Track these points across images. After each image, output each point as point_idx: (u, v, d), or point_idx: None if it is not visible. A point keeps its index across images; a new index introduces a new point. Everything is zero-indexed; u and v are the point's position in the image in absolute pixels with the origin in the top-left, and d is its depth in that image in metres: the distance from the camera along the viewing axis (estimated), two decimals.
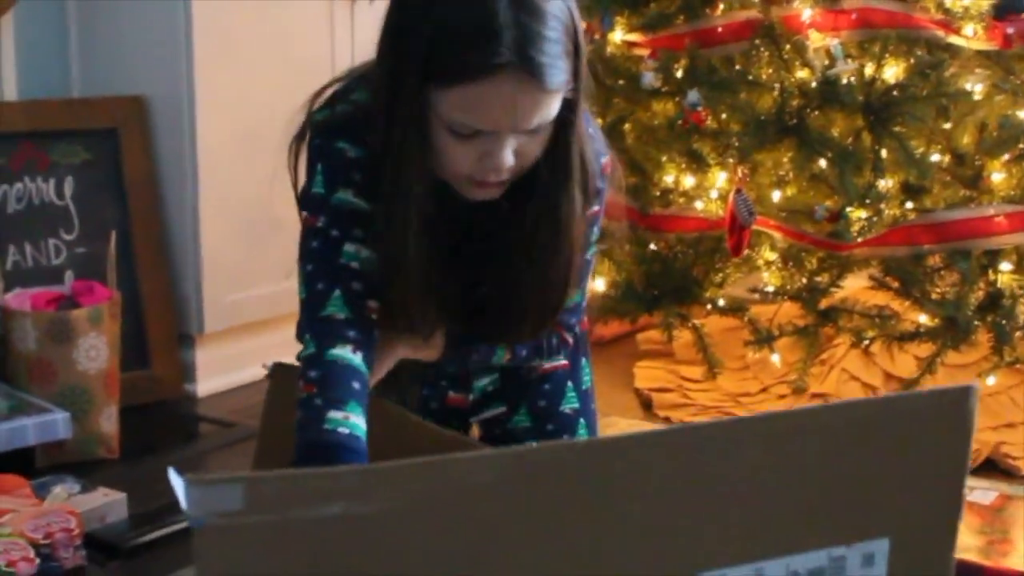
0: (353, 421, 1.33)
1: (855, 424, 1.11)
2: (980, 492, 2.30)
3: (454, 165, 1.37)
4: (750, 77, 2.76)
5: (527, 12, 1.28)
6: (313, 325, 1.41)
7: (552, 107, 1.33)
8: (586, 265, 1.57)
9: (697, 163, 2.83)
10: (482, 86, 1.28)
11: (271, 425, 1.56)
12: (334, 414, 1.32)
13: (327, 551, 0.99)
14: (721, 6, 2.85)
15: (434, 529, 1.02)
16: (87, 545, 1.95)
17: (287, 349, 3.09)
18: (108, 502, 2.10)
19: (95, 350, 2.40)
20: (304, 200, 1.51)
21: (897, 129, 2.60)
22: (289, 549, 0.98)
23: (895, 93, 2.60)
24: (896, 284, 2.69)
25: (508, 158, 1.34)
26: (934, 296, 2.64)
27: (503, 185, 1.40)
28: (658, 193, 2.90)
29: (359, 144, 1.44)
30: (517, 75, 1.27)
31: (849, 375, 2.81)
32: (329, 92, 1.55)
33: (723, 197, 2.77)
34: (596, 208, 1.54)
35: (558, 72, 1.31)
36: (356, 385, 1.36)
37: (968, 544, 2.06)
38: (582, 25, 1.37)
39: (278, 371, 1.54)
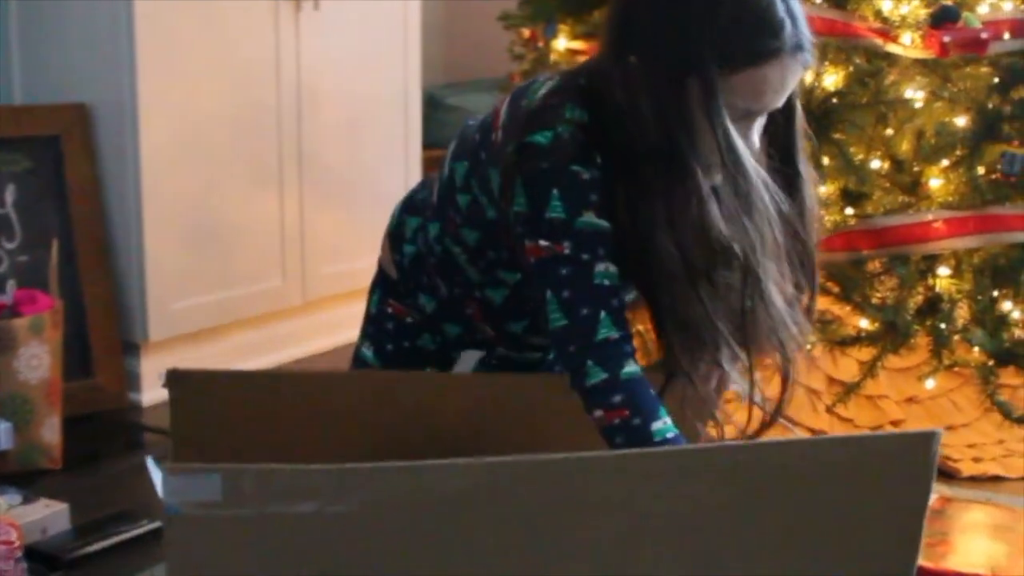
0: (671, 425, 1.42)
1: (819, 462, 1.13)
2: None
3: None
4: None
5: (793, 3, 1.44)
6: (593, 351, 1.45)
7: None
8: None
9: None
10: (765, 69, 1.42)
11: (183, 434, 1.55)
12: (656, 425, 1.41)
13: (300, 547, 1.00)
14: None
15: (406, 532, 1.03)
16: (28, 557, 1.93)
17: (232, 356, 3.10)
18: (50, 513, 2.08)
19: (37, 359, 2.39)
20: (537, 226, 1.48)
21: (837, 136, 2.63)
22: (263, 543, 0.99)
23: (835, 100, 2.63)
24: (837, 289, 2.72)
25: (756, 140, 1.49)
26: (874, 301, 2.67)
27: None
28: None
29: (591, 166, 1.47)
30: (792, 56, 1.43)
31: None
32: (539, 112, 1.51)
33: None
34: None
35: (810, 46, 1.47)
36: (653, 392, 1.45)
37: None
38: None
39: (174, 377, 1.52)
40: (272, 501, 0.99)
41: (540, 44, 2.96)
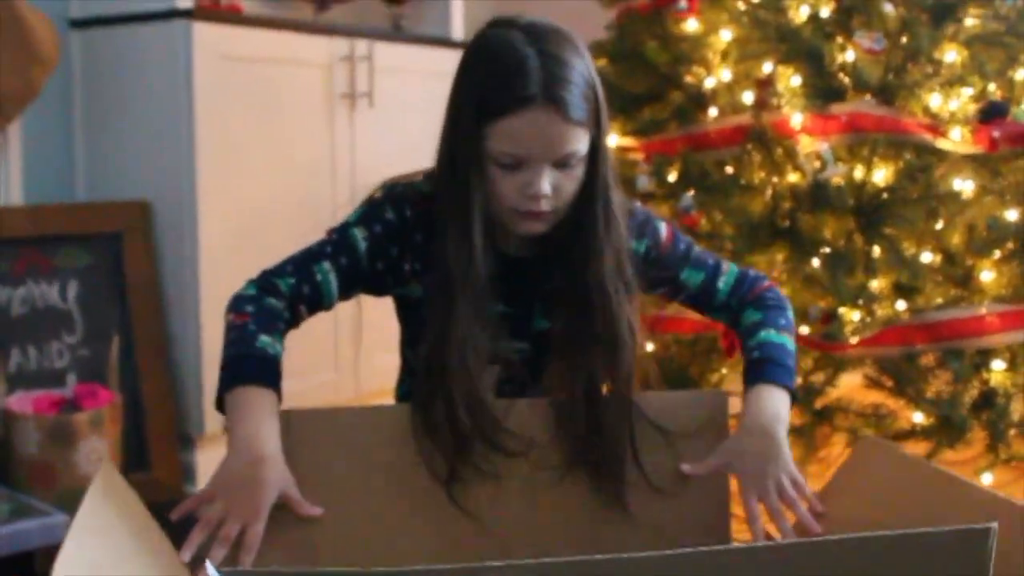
0: (277, 347, 1.60)
1: (875, 558, 1.11)
2: None
3: (502, 197, 1.61)
4: (742, 181, 2.80)
5: (552, 61, 1.57)
6: (261, 280, 1.69)
7: (579, 142, 1.59)
8: (691, 249, 1.84)
9: None
10: (517, 117, 1.56)
11: None
12: (264, 337, 1.59)
13: None
14: (713, 111, 2.91)
15: None
16: None
17: None
18: None
19: (96, 453, 2.42)
20: (343, 222, 1.75)
21: (888, 231, 2.64)
22: None
23: (885, 196, 2.64)
24: (891, 383, 2.71)
25: (545, 187, 1.58)
26: (929, 395, 2.65)
27: (546, 219, 1.63)
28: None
29: (398, 213, 1.71)
30: (545, 107, 1.55)
31: None
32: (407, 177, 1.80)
33: None
34: (651, 242, 1.78)
35: (579, 108, 1.57)
36: (282, 327, 1.64)
37: None
38: (600, 85, 1.63)
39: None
40: None
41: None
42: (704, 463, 1.69)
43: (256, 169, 2.99)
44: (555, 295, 1.71)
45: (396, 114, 3.35)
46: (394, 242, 1.71)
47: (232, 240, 2.93)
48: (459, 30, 3.87)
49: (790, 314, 1.82)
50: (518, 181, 1.59)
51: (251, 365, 1.57)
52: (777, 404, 1.69)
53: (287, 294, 1.67)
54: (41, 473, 2.38)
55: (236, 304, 1.65)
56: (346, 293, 1.73)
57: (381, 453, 1.64)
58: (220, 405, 1.57)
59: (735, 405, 1.79)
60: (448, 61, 3.80)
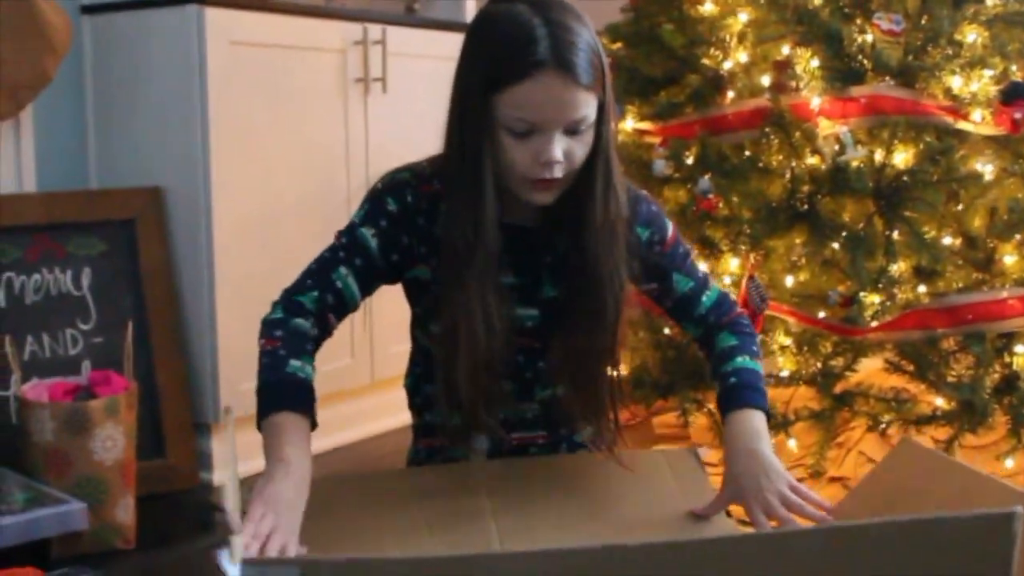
0: (308, 370, 1.66)
1: (898, 542, 1.10)
2: None
3: (514, 165, 1.64)
4: (761, 164, 2.78)
5: (559, 28, 1.60)
6: (285, 301, 1.74)
7: (588, 106, 1.63)
8: (689, 256, 1.91)
9: (709, 250, 2.85)
10: (528, 84, 1.59)
11: None
12: (294, 362, 1.65)
13: None
14: (731, 94, 2.89)
15: None
16: None
17: None
18: None
19: (111, 440, 2.41)
20: (349, 223, 1.79)
21: (908, 214, 2.62)
22: None
23: (905, 178, 2.62)
24: (911, 367, 2.69)
25: (557, 153, 1.61)
26: (950, 379, 2.64)
27: (557, 187, 1.66)
28: None
29: (400, 201, 1.75)
30: (556, 72, 1.59)
31: (867, 458, 2.80)
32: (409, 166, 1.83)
33: (736, 283, 2.78)
34: (657, 235, 1.85)
35: (587, 73, 1.60)
36: (310, 347, 1.70)
37: None
38: (604, 52, 1.67)
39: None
40: None
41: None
42: (712, 504, 1.70)
43: (269, 155, 2.97)
44: (561, 263, 1.76)
45: (409, 98, 3.33)
46: (402, 231, 1.75)
47: (246, 226, 2.92)
48: (472, 14, 3.84)
49: (758, 341, 1.92)
50: (531, 149, 1.63)
51: (282, 391, 1.63)
52: (756, 423, 1.74)
53: (313, 309, 1.73)
54: (56, 461, 2.37)
55: (266, 329, 1.72)
56: (367, 291, 1.78)
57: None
58: (260, 427, 1.63)
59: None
60: (460, 45, 3.79)
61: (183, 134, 2.87)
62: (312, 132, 3.09)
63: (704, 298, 1.90)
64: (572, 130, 1.63)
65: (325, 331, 1.76)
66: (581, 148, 1.66)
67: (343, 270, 1.74)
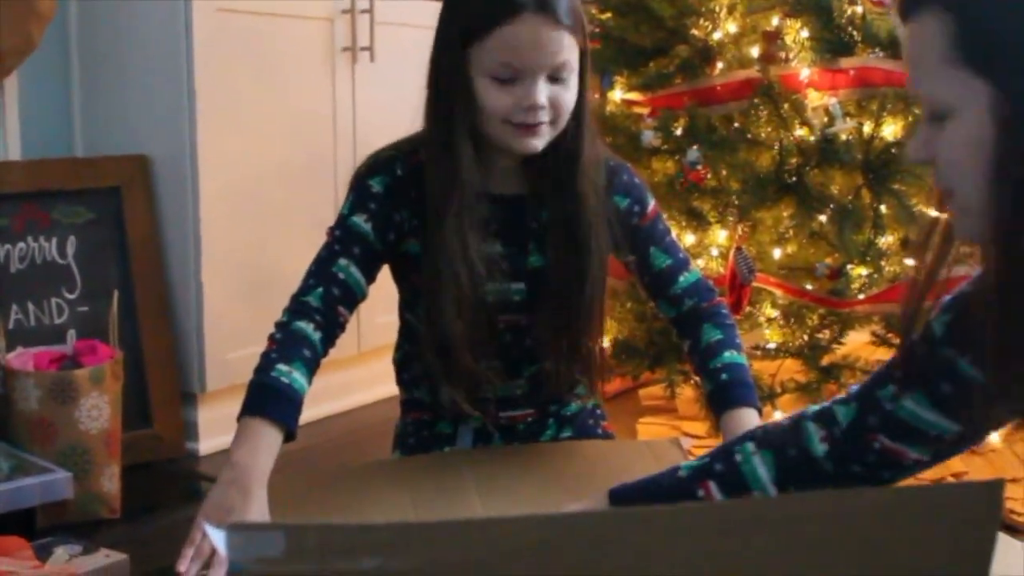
0: (295, 375, 1.64)
1: (881, 513, 1.10)
2: None
3: (498, 111, 1.65)
4: (749, 135, 2.78)
5: None
6: (291, 304, 1.75)
7: (571, 51, 1.64)
8: (669, 234, 1.91)
9: (697, 221, 2.85)
10: (510, 27, 1.61)
11: None
12: (282, 366, 1.64)
13: None
14: (720, 65, 2.88)
15: None
16: None
17: None
18: (110, 563, 2.09)
19: (97, 409, 2.40)
20: (338, 217, 1.81)
21: (896, 186, 2.62)
22: None
23: (893, 151, 2.62)
24: (898, 340, 2.69)
25: (541, 97, 1.63)
26: None
27: (542, 133, 1.67)
28: None
29: (387, 177, 1.77)
30: (536, 13, 1.60)
31: None
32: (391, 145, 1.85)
33: (723, 255, 2.78)
34: (637, 207, 1.85)
35: (568, 15, 1.62)
36: (307, 352, 1.68)
37: None
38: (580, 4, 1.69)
39: None
40: (335, 557, 0.98)
41: (596, 95, 2.97)
42: None
43: (256, 123, 2.95)
44: (548, 231, 1.77)
45: (397, 68, 3.31)
46: (393, 208, 1.77)
47: (232, 194, 2.91)
48: None
49: (738, 330, 1.94)
50: (515, 94, 1.64)
51: (259, 395, 1.64)
52: (752, 422, 1.76)
53: (319, 306, 1.73)
54: (41, 430, 2.36)
55: (272, 332, 1.73)
56: (371, 277, 1.79)
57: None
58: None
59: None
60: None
61: (169, 102, 2.85)
62: (299, 101, 3.07)
63: (681, 278, 1.89)
64: (555, 76, 1.65)
65: (336, 325, 1.75)
66: (567, 94, 1.67)
67: (343, 261, 1.74)
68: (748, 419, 1.76)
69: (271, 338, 1.71)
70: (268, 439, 1.59)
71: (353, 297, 1.76)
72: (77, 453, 2.38)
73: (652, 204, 1.88)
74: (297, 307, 1.74)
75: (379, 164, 1.80)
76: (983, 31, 1.17)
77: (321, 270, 1.76)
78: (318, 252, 1.79)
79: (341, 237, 1.77)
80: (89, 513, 2.40)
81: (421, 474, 1.76)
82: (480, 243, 1.71)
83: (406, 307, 1.93)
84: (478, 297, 1.72)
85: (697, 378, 2.91)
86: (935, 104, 1.21)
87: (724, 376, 1.82)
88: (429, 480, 1.73)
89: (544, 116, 1.65)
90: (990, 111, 1.16)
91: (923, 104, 1.24)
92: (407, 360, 1.96)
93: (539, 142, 1.69)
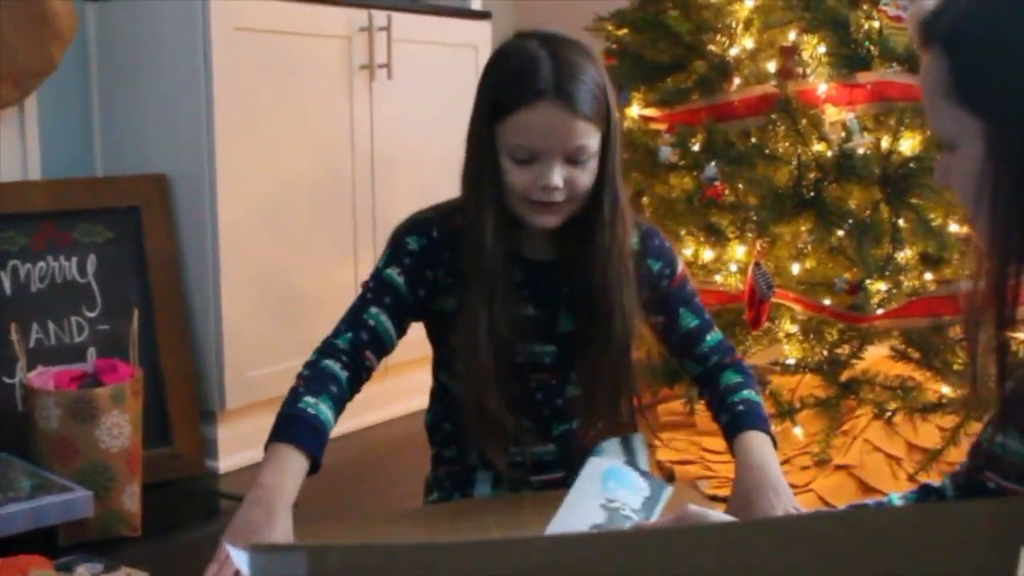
0: (322, 407, 1.68)
1: (907, 529, 1.10)
2: None
3: (516, 187, 1.71)
4: (767, 151, 2.78)
5: (563, 61, 1.68)
6: (322, 346, 1.79)
7: (588, 136, 1.69)
8: (696, 296, 1.95)
9: (716, 237, 2.84)
10: (528, 111, 1.67)
11: None
12: (309, 399, 1.68)
13: None
14: (737, 81, 2.88)
15: None
16: None
17: None
18: None
19: (117, 428, 2.41)
20: (374, 270, 1.86)
21: (914, 201, 2.61)
22: None
23: (912, 165, 2.62)
24: (917, 355, 2.69)
25: (556, 179, 1.68)
26: (956, 367, 2.63)
27: (559, 212, 1.73)
28: None
29: (423, 238, 1.82)
30: (555, 102, 1.66)
31: (872, 446, 2.80)
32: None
33: (742, 270, 2.78)
34: (668, 270, 1.90)
35: (587, 104, 1.67)
36: (334, 388, 1.72)
37: None
38: (612, 89, 1.74)
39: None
40: None
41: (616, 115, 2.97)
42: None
43: (275, 141, 2.97)
44: (575, 295, 1.81)
45: (414, 85, 3.33)
46: (427, 266, 1.82)
47: (251, 213, 2.92)
48: (477, 0, 3.83)
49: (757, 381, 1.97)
50: (532, 174, 1.70)
51: (288, 424, 1.66)
52: (766, 446, 1.79)
53: (347, 348, 1.77)
54: (62, 448, 2.37)
55: (300, 370, 1.76)
56: (400, 327, 1.82)
57: None
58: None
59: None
60: (466, 32, 3.77)
61: (188, 121, 2.86)
62: (317, 119, 3.08)
63: (708, 337, 1.93)
64: (573, 159, 1.70)
65: (362, 368, 1.78)
66: (584, 176, 1.72)
67: (374, 309, 1.79)
68: (762, 442, 1.78)
69: (299, 376, 1.74)
70: (294, 464, 1.62)
71: (381, 344, 1.80)
72: (98, 471, 2.39)
73: (681, 267, 1.94)
74: (326, 348, 1.77)
75: (417, 224, 1.85)
76: (974, 71, 1.20)
77: (352, 316, 1.80)
78: (352, 302, 1.84)
79: (374, 288, 1.81)
80: (110, 531, 2.41)
81: (446, 521, 1.77)
82: (511, 306, 1.78)
83: (440, 366, 1.97)
84: (508, 357, 1.78)
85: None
86: (942, 135, 1.24)
87: (741, 407, 1.84)
88: (448, 521, 1.74)
89: (559, 196, 1.71)
90: (985, 146, 1.19)
91: (934, 134, 1.28)
92: (439, 421, 1.99)
93: (554, 219, 1.74)
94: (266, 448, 1.64)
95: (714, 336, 1.94)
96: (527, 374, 1.83)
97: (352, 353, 1.76)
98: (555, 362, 1.85)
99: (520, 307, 1.79)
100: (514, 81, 1.69)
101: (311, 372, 1.74)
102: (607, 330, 1.79)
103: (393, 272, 1.81)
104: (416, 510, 2.00)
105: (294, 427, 1.65)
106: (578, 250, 1.79)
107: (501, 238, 1.75)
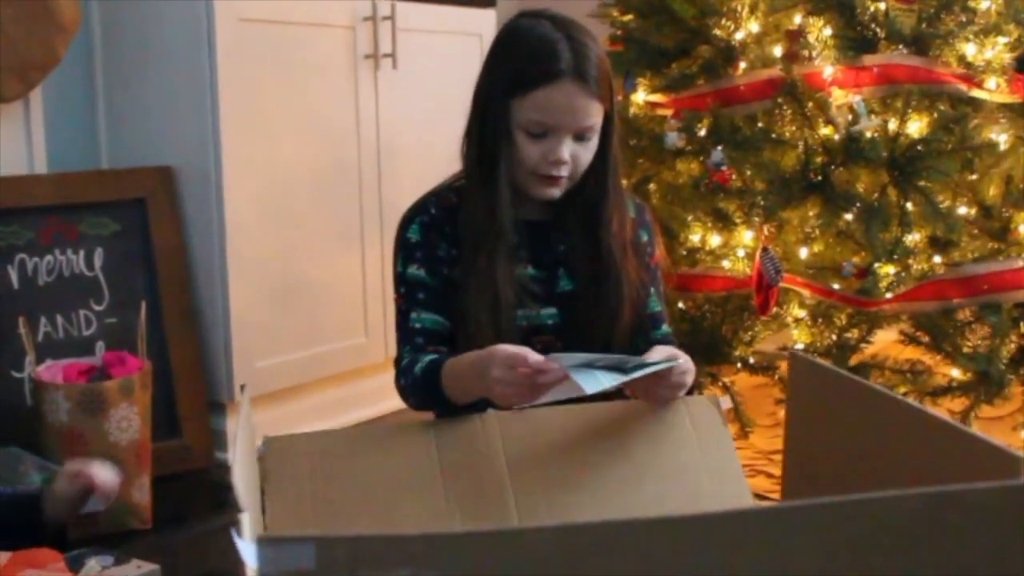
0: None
1: (919, 513, 1.09)
2: None
3: (526, 161, 1.83)
4: (774, 135, 2.76)
5: (578, 43, 1.82)
6: (396, 372, 1.88)
7: (597, 115, 1.84)
8: (662, 284, 2.04)
9: (723, 222, 2.83)
10: (549, 89, 1.79)
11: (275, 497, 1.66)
12: (425, 359, 1.80)
13: None
14: (743, 65, 2.87)
15: None
16: None
17: (316, 414, 3.11)
18: (142, 573, 2.09)
19: (126, 421, 2.41)
20: (395, 278, 1.94)
21: (922, 183, 2.60)
22: None
23: (919, 148, 2.60)
24: (927, 339, 2.68)
25: (565, 154, 1.82)
26: (965, 350, 2.62)
27: (561, 185, 1.86)
28: (685, 252, 2.91)
29: (423, 217, 1.91)
30: (573, 81, 1.79)
31: None
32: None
33: (750, 255, 2.77)
34: (650, 248, 1.99)
35: (598, 85, 1.81)
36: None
37: None
38: (611, 69, 1.87)
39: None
40: (366, 568, 0.98)
41: (619, 97, 2.96)
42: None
43: (280, 132, 2.96)
44: (575, 256, 1.90)
45: (419, 74, 3.32)
46: (435, 245, 1.90)
47: (257, 204, 2.91)
48: None
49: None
50: (542, 148, 1.82)
51: (430, 374, 1.78)
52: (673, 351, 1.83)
53: (411, 355, 1.85)
54: (71, 441, 2.37)
55: (403, 391, 1.86)
56: (446, 311, 1.89)
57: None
58: (449, 396, 1.77)
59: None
60: (470, 20, 3.75)
61: (193, 112, 2.86)
62: (322, 109, 3.08)
63: (664, 327, 2.00)
64: (580, 136, 1.83)
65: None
66: (586, 154, 1.86)
67: (414, 314, 1.88)
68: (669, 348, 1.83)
69: (403, 385, 1.85)
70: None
71: (439, 335, 1.88)
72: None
73: (660, 248, 2.04)
74: (401, 367, 1.86)
75: (413, 211, 1.94)
76: None
77: (402, 334, 1.90)
78: (396, 316, 1.93)
79: (404, 293, 1.90)
80: (120, 524, 2.41)
81: (451, 442, 1.74)
82: (512, 269, 1.86)
83: (456, 339, 1.97)
84: (511, 319, 1.85)
85: (726, 379, 2.91)
86: None
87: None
88: (458, 451, 1.71)
89: (565, 171, 1.84)
90: None
91: None
92: None
93: (557, 191, 1.87)
94: (440, 384, 1.75)
95: (665, 329, 2.01)
96: (530, 337, 1.87)
97: (419, 358, 1.82)
98: (557, 324, 1.91)
99: (520, 267, 1.88)
100: (535, 61, 1.81)
101: (412, 373, 1.81)
102: (609, 293, 1.88)
103: (412, 269, 1.89)
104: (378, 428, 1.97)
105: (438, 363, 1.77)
106: (580, 218, 1.90)
107: (511, 211, 1.86)
